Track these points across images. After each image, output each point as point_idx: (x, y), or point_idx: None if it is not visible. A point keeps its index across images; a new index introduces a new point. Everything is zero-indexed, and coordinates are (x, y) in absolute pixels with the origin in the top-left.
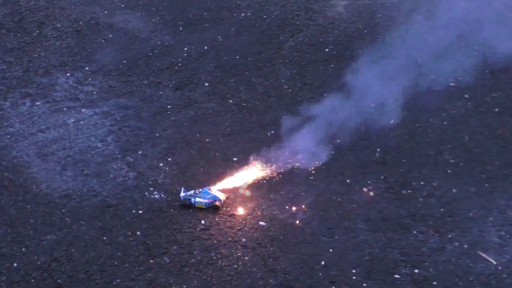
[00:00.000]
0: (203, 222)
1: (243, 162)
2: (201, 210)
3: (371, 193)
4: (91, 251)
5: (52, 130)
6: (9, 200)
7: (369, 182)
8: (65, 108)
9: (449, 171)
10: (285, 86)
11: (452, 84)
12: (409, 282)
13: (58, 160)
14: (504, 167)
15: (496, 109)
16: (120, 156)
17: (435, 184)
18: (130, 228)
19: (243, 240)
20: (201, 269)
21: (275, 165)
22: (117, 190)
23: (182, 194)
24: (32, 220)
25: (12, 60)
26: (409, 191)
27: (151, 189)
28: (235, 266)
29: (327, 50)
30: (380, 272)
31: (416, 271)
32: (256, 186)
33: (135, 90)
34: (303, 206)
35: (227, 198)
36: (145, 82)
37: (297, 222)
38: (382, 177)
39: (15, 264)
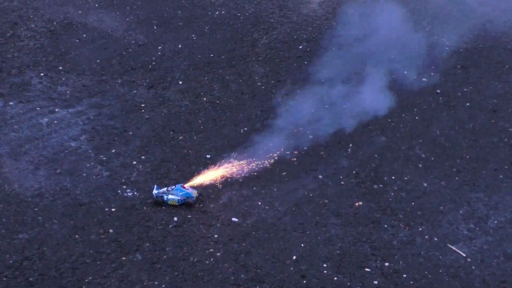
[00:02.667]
0: (175, 219)
1: (216, 159)
2: (174, 207)
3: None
4: (63, 249)
5: (25, 129)
6: None
7: (340, 177)
8: (38, 108)
9: (420, 166)
10: (259, 83)
11: (424, 79)
12: (379, 275)
13: (31, 160)
14: (474, 161)
15: (467, 104)
16: (93, 155)
17: (406, 178)
18: (103, 226)
19: (215, 236)
20: (173, 265)
21: (247, 162)
22: (89, 189)
23: (154, 191)
24: (4, 220)
25: None
26: (380, 185)
27: (124, 187)
28: (207, 261)
29: (300, 47)
30: (350, 266)
31: (386, 264)
32: (228, 182)
33: (109, 89)
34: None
35: (200, 195)
36: (119, 81)
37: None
38: (354, 172)
39: None
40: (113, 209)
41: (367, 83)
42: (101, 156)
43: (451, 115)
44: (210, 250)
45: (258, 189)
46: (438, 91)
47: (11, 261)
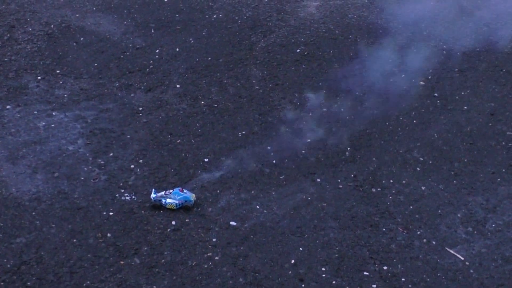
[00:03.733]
0: (173, 222)
1: (214, 162)
2: (172, 210)
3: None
4: (61, 253)
5: (23, 133)
6: None
7: (339, 180)
8: (36, 112)
9: (418, 169)
10: (256, 87)
11: (422, 83)
12: (378, 278)
13: (28, 163)
14: (471, 164)
15: (465, 107)
16: (91, 159)
17: (404, 181)
18: (100, 230)
19: (214, 240)
20: (171, 269)
21: (245, 165)
22: (87, 192)
23: (152, 195)
24: (1, 224)
25: None
26: (378, 189)
27: (122, 190)
28: (205, 265)
29: (298, 50)
30: (349, 270)
31: (385, 267)
32: (226, 186)
33: (106, 92)
34: None
35: (198, 198)
36: (117, 84)
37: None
38: (352, 175)
39: None
40: (111, 213)
41: (364, 85)
42: (99, 160)
43: (449, 119)
44: (208, 254)
45: (256, 193)
46: (436, 94)
47: (8, 265)
